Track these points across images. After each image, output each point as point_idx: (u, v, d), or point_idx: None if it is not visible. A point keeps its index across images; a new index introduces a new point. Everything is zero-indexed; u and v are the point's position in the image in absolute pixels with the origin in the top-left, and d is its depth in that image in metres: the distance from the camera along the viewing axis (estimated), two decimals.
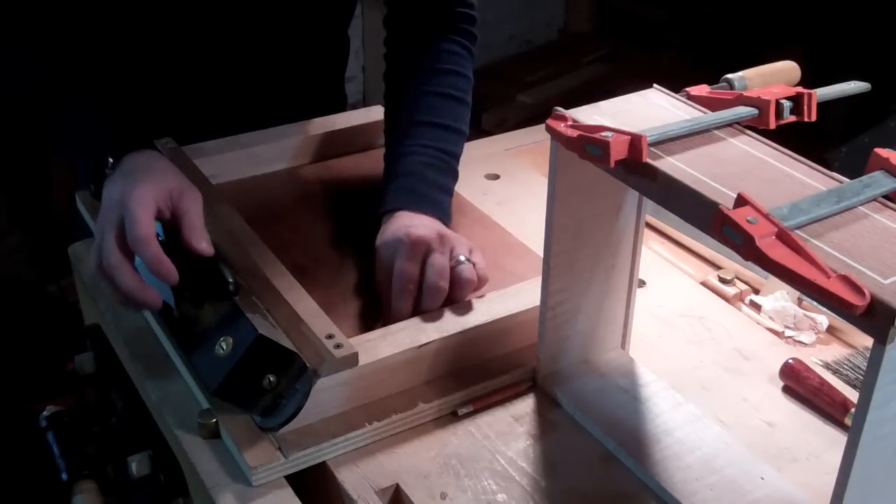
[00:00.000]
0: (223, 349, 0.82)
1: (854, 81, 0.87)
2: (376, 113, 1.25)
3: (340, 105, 1.37)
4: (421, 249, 0.93)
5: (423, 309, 0.91)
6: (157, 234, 0.87)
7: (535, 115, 2.71)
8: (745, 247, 0.62)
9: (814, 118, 0.80)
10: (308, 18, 1.18)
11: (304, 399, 0.81)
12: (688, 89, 0.84)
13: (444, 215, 1.02)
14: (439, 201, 1.04)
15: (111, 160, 0.93)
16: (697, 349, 0.96)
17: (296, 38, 1.19)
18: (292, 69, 1.22)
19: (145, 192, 0.86)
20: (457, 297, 0.92)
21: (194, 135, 1.16)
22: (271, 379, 0.81)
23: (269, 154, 1.20)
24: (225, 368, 0.81)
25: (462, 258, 0.93)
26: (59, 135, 1.04)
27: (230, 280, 0.84)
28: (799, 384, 0.89)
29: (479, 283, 0.94)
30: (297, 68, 1.23)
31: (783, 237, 0.61)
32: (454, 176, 1.09)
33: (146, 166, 0.91)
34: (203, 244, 0.86)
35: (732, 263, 1.07)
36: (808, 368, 0.90)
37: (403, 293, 0.91)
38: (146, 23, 1.10)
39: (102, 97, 1.04)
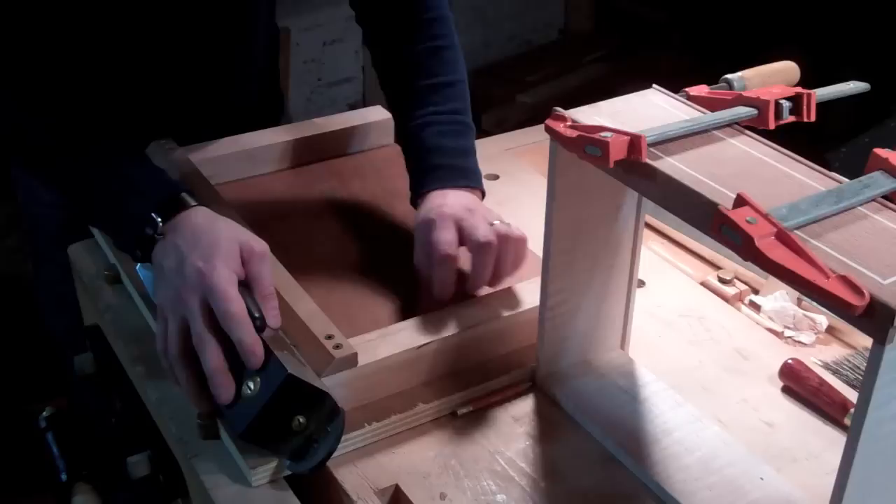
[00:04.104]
0: (251, 389, 0.79)
1: (854, 81, 0.87)
2: (376, 113, 1.25)
3: (279, 97, 1.34)
4: (452, 221, 0.93)
5: (477, 273, 0.92)
6: None
7: (535, 115, 2.70)
8: (745, 247, 0.62)
9: (813, 118, 0.80)
10: (240, 8, 1.14)
11: (336, 442, 0.79)
12: (687, 89, 0.84)
13: (474, 181, 1.03)
14: (467, 169, 1.04)
15: (159, 222, 0.87)
16: (697, 349, 0.96)
17: (230, 29, 1.14)
18: (230, 61, 1.18)
19: (225, 263, 0.82)
20: (503, 256, 0.92)
21: (210, 136, 1.16)
22: (301, 420, 0.79)
23: (268, 154, 1.20)
24: (253, 410, 0.78)
25: (497, 222, 0.94)
26: (87, 198, 0.98)
27: (256, 315, 0.81)
28: (798, 384, 0.89)
29: (520, 242, 0.94)
30: (235, 59, 1.18)
31: (782, 237, 0.61)
32: (471, 132, 1.09)
33: (208, 228, 0.86)
34: (273, 321, 0.83)
35: (732, 264, 1.07)
36: (807, 369, 0.89)
37: (445, 261, 0.91)
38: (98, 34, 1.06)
39: (129, 152, 0.99)
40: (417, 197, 1.02)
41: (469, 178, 1.03)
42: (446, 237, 0.92)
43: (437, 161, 1.04)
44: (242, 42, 1.17)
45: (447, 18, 1.13)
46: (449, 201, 0.98)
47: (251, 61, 1.21)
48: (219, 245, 0.83)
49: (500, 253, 0.92)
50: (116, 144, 0.98)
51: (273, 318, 0.83)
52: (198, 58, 1.13)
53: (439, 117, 1.07)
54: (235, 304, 0.80)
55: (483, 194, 1.04)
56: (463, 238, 0.93)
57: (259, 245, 0.85)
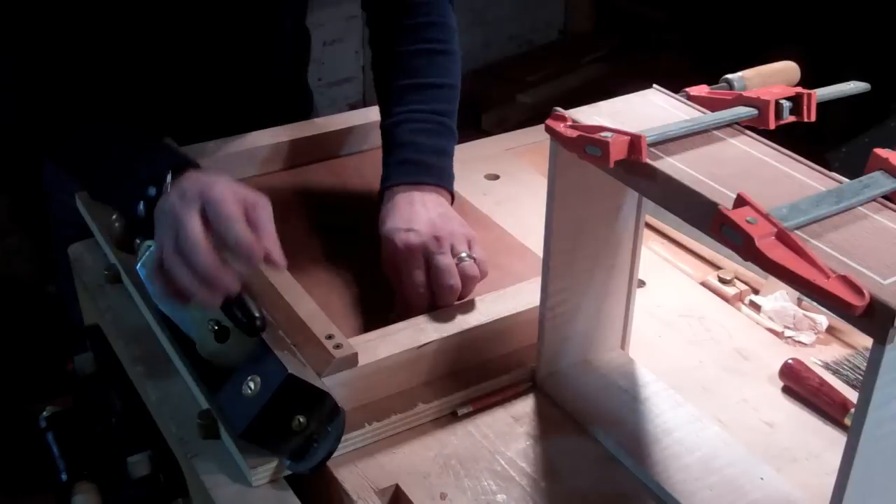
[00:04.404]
0: (251, 389, 0.79)
1: (854, 81, 0.87)
2: (376, 113, 1.25)
3: (307, 101, 1.35)
4: (419, 257, 0.94)
5: (439, 305, 0.93)
6: None
7: (535, 115, 2.71)
8: (745, 247, 0.62)
9: (813, 118, 0.80)
10: (264, 13, 1.16)
11: (336, 442, 0.79)
12: (687, 89, 0.84)
13: (443, 181, 1.04)
14: (438, 167, 1.04)
15: (168, 178, 0.88)
16: (697, 349, 0.96)
17: (254, 35, 1.16)
18: (253, 68, 1.19)
19: (227, 187, 0.83)
20: (462, 294, 0.93)
21: (210, 136, 1.17)
22: (301, 420, 0.79)
23: (268, 154, 1.20)
24: (253, 409, 0.78)
25: (464, 255, 0.94)
26: (94, 167, 1.00)
27: (257, 315, 0.81)
28: (799, 384, 0.89)
29: (481, 276, 0.95)
30: (258, 66, 1.20)
31: (783, 237, 0.61)
32: (451, 135, 1.09)
33: (212, 178, 0.86)
34: (280, 259, 0.83)
35: (732, 263, 1.07)
36: (807, 368, 0.90)
37: (419, 299, 0.93)
38: (119, 30, 1.08)
39: (136, 123, 1.01)
40: (384, 189, 1.02)
41: (438, 177, 1.03)
42: (419, 279, 0.93)
43: (407, 156, 1.04)
44: (266, 44, 1.19)
45: (447, 26, 1.13)
46: (416, 222, 0.96)
47: (275, 63, 1.22)
48: (219, 184, 0.83)
49: (462, 288, 0.93)
50: (126, 125, 1.00)
51: (280, 259, 0.83)
52: (220, 58, 1.14)
53: (418, 115, 1.07)
54: (234, 206, 0.80)
55: (452, 198, 1.04)
56: (428, 268, 0.94)
57: (261, 198, 0.85)
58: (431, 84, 1.10)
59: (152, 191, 0.88)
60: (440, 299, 0.92)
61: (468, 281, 0.93)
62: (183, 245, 0.80)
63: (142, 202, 0.89)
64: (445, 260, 0.93)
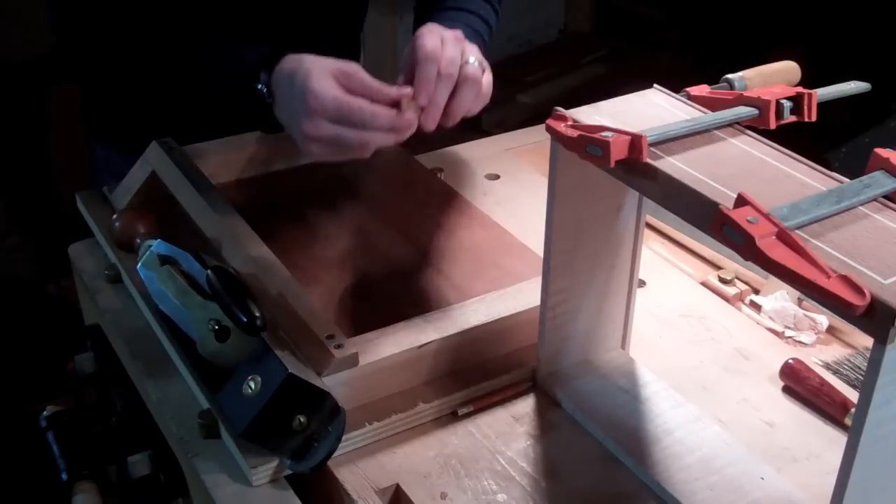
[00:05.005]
0: (251, 388, 0.79)
1: (854, 81, 0.87)
2: None
3: None
4: (439, 35, 0.95)
5: (452, 103, 0.95)
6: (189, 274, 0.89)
7: (535, 115, 2.70)
8: (745, 247, 0.62)
9: (814, 118, 0.80)
10: (323, 21, 1.18)
11: (336, 442, 0.79)
12: (688, 89, 0.84)
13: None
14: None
15: (262, 87, 0.95)
16: (697, 349, 0.96)
17: (312, 41, 1.19)
18: None
19: (320, 74, 0.90)
20: (461, 94, 0.95)
21: (210, 136, 1.17)
22: (302, 420, 0.79)
23: (269, 154, 1.19)
24: (253, 409, 0.78)
25: (472, 59, 0.96)
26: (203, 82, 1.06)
27: (257, 315, 0.81)
28: (799, 384, 0.89)
29: (482, 93, 0.97)
30: None
31: (783, 237, 0.61)
32: (482, 48, 1.10)
33: (297, 70, 0.92)
34: (395, 91, 0.90)
35: (732, 263, 1.07)
36: (808, 368, 0.90)
37: (428, 59, 0.93)
38: (161, 26, 1.10)
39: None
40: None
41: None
42: (433, 41, 0.94)
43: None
44: (330, 48, 1.22)
45: None
46: (439, 28, 0.98)
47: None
48: (312, 79, 0.90)
49: (459, 91, 0.95)
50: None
51: (403, 90, 0.91)
52: None
53: (455, 24, 1.08)
54: (362, 109, 0.88)
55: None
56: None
57: (349, 66, 0.91)
58: (473, 11, 1.14)
59: (262, 88, 0.96)
60: (440, 86, 0.94)
61: (469, 80, 0.94)
62: (356, 139, 0.89)
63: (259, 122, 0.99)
64: (453, 50, 0.95)
